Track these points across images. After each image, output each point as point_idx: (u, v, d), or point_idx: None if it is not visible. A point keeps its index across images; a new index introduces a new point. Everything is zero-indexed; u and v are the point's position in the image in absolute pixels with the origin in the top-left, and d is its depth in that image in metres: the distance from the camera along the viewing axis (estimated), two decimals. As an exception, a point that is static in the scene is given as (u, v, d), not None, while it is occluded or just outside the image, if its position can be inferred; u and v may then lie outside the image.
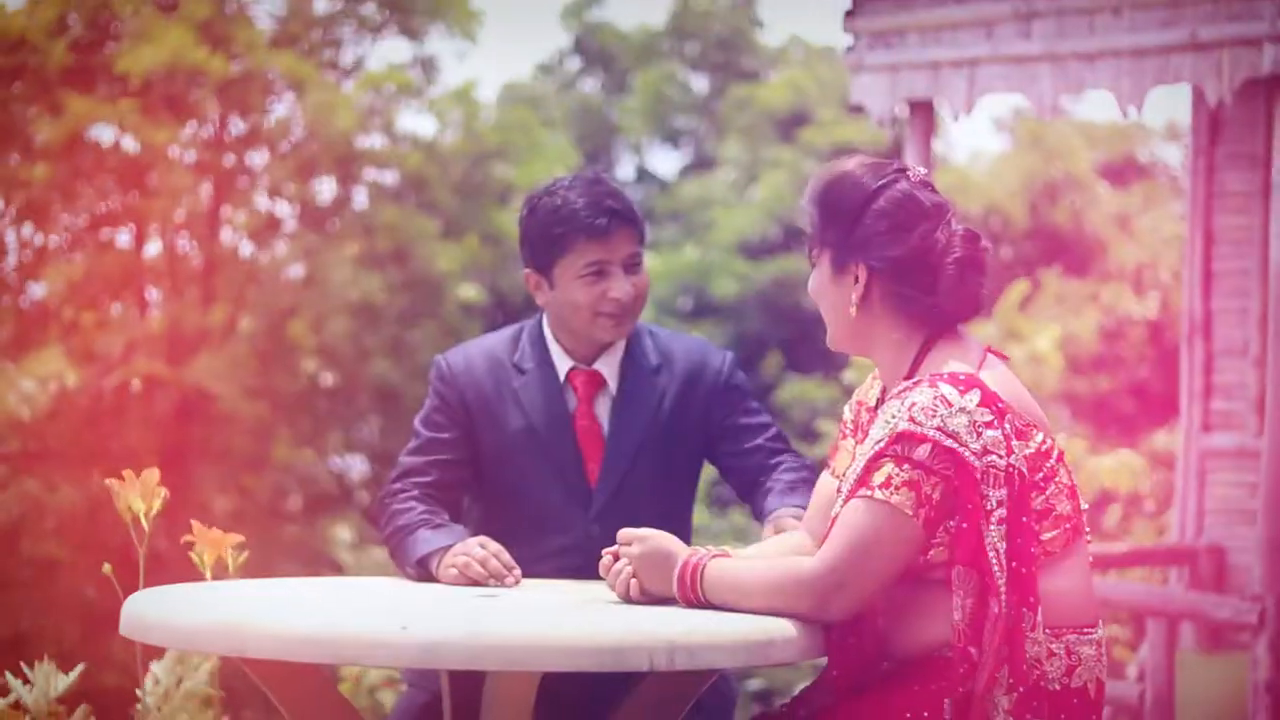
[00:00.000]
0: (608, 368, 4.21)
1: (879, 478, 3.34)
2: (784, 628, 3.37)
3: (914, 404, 3.35)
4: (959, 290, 3.49)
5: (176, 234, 18.32)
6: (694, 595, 3.47)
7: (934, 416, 3.33)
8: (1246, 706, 7.36)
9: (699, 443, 4.27)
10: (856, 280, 3.50)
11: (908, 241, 3.48)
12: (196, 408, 17.45)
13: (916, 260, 3.48)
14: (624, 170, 24.89)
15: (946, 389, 3.36)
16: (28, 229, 17.70)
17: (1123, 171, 20.97)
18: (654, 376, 4.21)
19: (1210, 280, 8.88)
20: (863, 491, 3.35)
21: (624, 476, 4.16)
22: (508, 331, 4.31)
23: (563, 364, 4.22)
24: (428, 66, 20.18)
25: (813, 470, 4.14)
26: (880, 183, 3.50)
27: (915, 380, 3.42)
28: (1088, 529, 3.52)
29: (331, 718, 3.62)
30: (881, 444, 3.35)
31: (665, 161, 34.44)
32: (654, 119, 24.31)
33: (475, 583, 3.86)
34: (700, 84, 24.90)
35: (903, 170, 3.54)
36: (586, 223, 4.10)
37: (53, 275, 17.43)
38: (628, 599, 3.55)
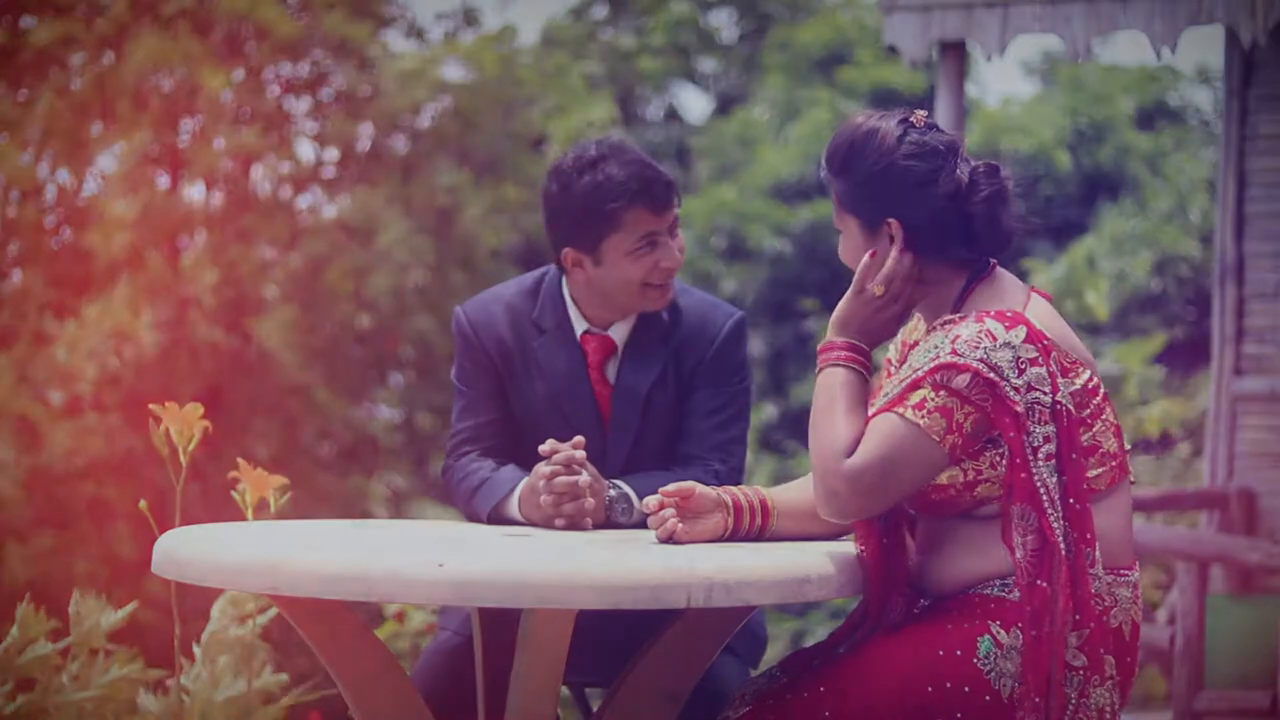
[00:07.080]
0: (620, 333, 4.11)
1: (914, 399, 3.35)
2: (821, 565, 3.37)
3: (958, 336, 3.35)
4: (992, 228, 3.48)
5: (216, 180, 18.25)
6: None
7: (977, 349, 3.33)
8: (1277, 649, 7.35)
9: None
10: (891, 239, 3.48)
11: (935, 190, 3.46)
12: (238, 357, 17.45)
13: (947, 207, 3.46)
14: (653, 112, 24.76)
15: (992, 324, 3.35)
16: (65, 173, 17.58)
17: (1153, 116, 20.90)
18: (660, 342, 4.10)
19: (1242, 223, 8.83)
20: (897, 409, 3.36)
21: (634, 442, 4.08)
22: (527, 281, 4.21)
23: (579, 326, 4.12)
24: (469, 16, 20.13)
25: (726, 476, 4.03)
26: (895, 136, 3.47)
27: (960, 315, 3.41)
28: (1130, 470, 3.52)
29: (365, 659, 3.62)
30: (921, 372, 3.36)
31: (694, 103, 34.31)
32: (677, 61, 24.19)
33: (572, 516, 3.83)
34: (721, 24, 24.78)
35: (906, 119, 3.51)
36: (641, 196, 3.97)
37: (98, 223, 17.29)
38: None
